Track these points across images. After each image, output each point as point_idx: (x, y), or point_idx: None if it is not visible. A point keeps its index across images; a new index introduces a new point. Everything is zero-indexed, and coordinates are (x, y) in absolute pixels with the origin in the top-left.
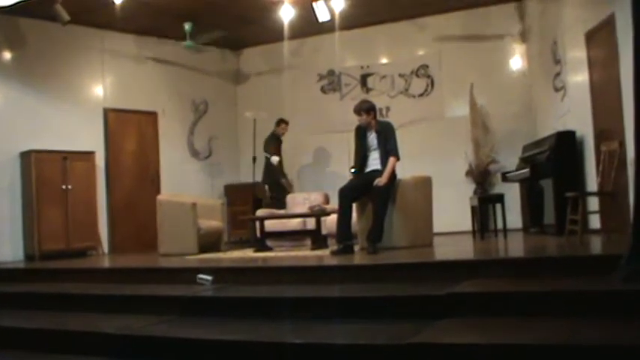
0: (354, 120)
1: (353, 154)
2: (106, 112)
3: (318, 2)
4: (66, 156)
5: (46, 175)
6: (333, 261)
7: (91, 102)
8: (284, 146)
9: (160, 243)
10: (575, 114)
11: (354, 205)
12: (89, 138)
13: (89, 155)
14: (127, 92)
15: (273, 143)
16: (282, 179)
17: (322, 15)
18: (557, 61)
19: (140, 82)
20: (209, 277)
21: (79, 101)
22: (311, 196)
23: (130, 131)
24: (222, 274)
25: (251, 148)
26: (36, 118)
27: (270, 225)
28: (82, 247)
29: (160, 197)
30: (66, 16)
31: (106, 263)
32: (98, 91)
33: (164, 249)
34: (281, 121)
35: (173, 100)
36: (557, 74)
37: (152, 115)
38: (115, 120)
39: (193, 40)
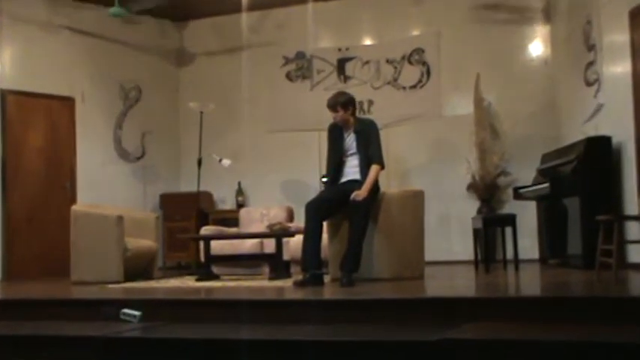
0: (328, 116)
1: (325, 159)
2: (4, 94)
3: None
4: None
5: None
6: (297, 294)
7: None
8: (237, 146)
9: (74, 267)
10: (611, 115)
11: (324, 224)
12: None
13: None
14: (34, 70)
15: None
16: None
17: None
18: (591, 47)
19: (52, 57)
20: (137, 313)
21: None
22: (270, 212)
23: (37, 121)
24: (154, 308)
25: (196, 147)
26: None
27: (218, 247)
28: None
29: (75, 208)
30: None
31: None
32: None
33: (78, 275)
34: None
35: (96, 83)
36: (590, 63)
37: (68, 102)
38: (16, 106)
39: (123, 6)
